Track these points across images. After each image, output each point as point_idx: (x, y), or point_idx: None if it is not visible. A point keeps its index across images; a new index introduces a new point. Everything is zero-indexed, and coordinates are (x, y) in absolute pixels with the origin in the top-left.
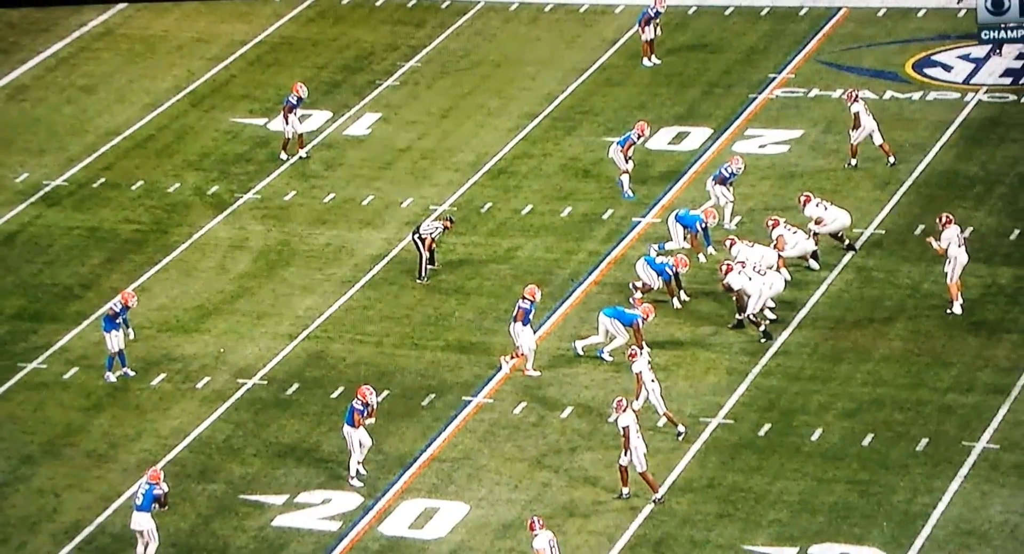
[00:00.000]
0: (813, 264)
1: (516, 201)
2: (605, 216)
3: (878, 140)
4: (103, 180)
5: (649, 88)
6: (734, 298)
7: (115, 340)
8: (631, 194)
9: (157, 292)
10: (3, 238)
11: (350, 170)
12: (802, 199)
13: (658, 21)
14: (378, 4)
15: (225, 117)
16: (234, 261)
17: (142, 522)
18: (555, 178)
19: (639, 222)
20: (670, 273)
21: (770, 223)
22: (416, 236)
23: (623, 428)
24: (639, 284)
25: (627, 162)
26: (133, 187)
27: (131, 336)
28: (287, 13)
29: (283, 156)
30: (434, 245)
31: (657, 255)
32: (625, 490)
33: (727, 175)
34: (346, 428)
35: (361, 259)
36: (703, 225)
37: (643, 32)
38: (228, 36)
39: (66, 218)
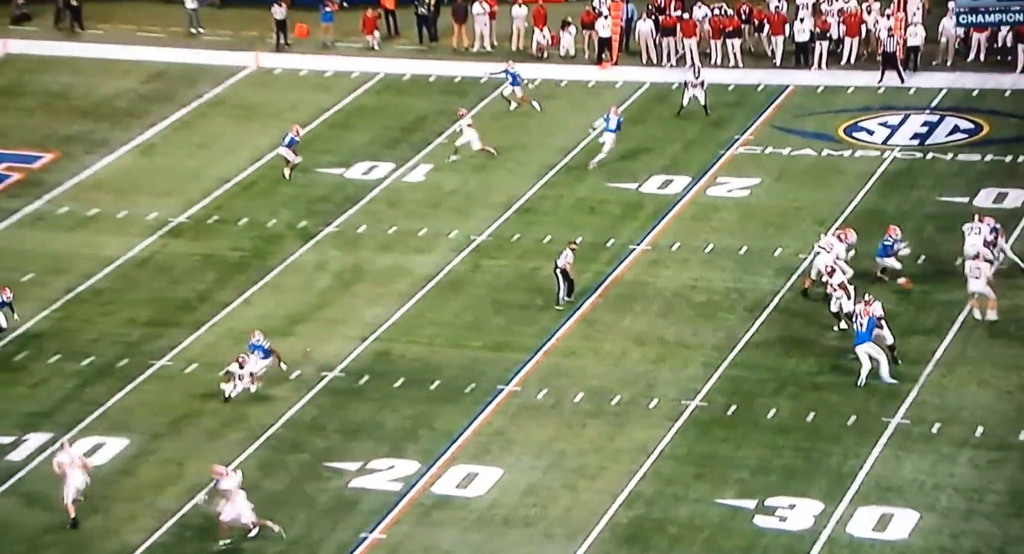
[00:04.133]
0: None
1: (538, 232)
2: (608, 244)
3: None
4: (216, 217)
5: (642, 144)
6: (837, 294)
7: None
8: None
9: (257, 304)
10: (137, 263)
11: (408, 208)
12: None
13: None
14: (431, 80)
15: (311, 167)
16: (317, 280)
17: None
18: (568, 214)
19: (634, 249)
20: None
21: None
22: (557, 270)
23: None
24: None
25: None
26: (239, 222)
27: (15, 318)
28: (361, 86)
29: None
30: (570, 271)
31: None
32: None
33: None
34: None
35: (416, 277)
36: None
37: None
38: (314, 104)
39: (186, 247)
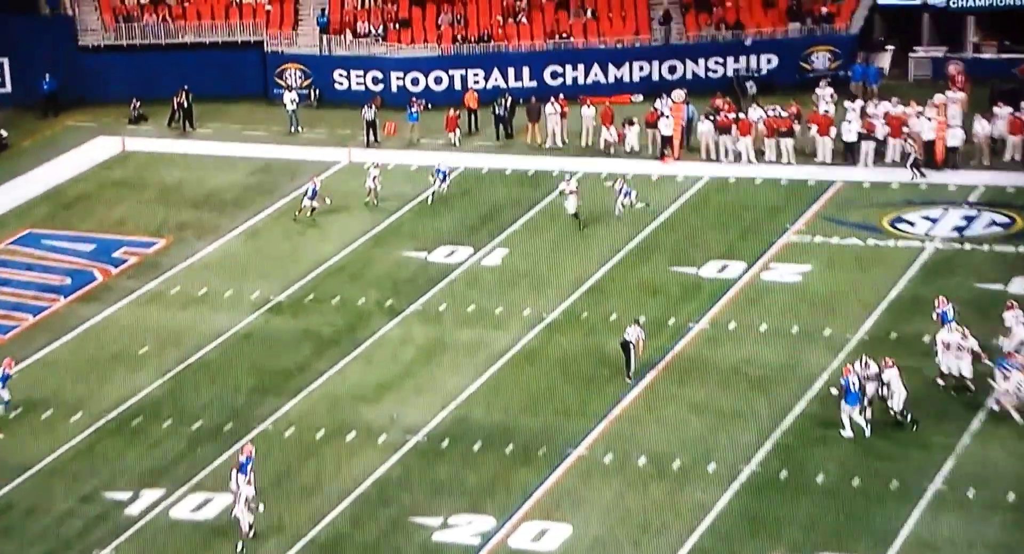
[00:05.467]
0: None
1: (604, 310)
2: (670, 322)
3: None
4: (311, 296)
5: (701, 231)
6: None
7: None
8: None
9: (349, 373)
10: (242, 336)
11: (486, 288)
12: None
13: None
14: (507, 173)
15: (398, 252)
16: (403, 352)
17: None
18: (633, 294)
19: (694, 327)
20: None
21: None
22: (627, 344)
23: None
24: None
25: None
26: (332, 301)
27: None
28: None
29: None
30: (640, 346)
31: None
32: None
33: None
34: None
35: (494, 351)
36: None
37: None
38: (401, 196)
39: (285, 323)
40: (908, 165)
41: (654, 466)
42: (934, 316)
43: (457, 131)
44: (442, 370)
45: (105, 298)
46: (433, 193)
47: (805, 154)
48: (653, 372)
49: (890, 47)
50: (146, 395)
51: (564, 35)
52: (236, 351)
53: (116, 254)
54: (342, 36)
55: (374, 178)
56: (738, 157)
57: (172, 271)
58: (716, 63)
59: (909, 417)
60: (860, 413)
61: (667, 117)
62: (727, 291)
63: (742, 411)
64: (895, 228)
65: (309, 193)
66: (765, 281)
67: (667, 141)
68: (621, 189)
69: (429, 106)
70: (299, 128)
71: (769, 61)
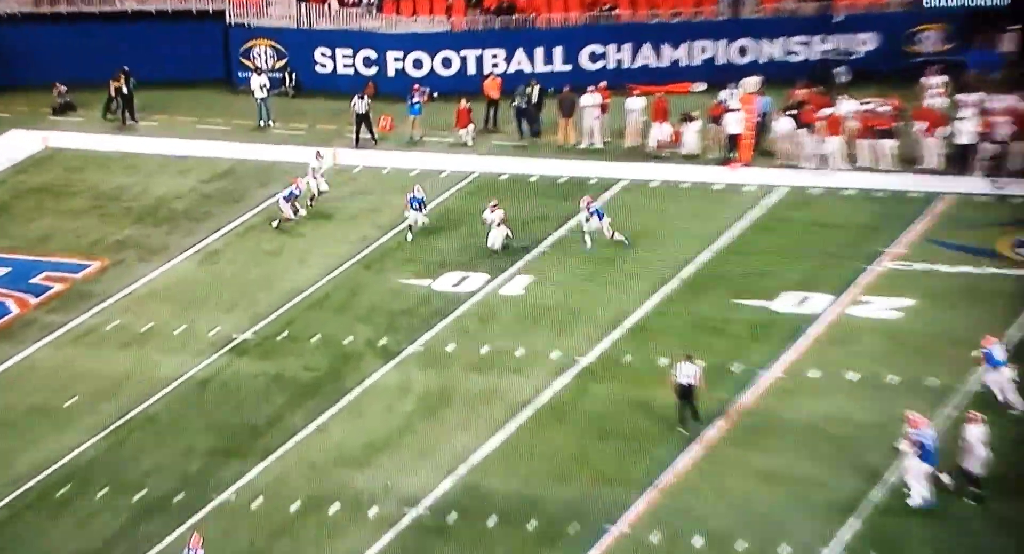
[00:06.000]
0: None
1: (651, 353)
2: (733, 369)
3: None
4: (286, 333)
5: (775, 256)
6: None
7: None
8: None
9: (333, 430)
10: (198, 384)
11: (503, 324)
12: None
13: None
14: (532, 180)
15: (393, 278)
16: (400, 404)
17: None
18: (688, 334)
19: (764, 375)
20: None
21: None
22: (684, 388)
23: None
24: None
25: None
26: (312, 339)
27: None
28: (452, 187)
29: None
30: (700, 385)
31: None
32: None
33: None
34: None
35: (512, 402)
36: None
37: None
38: (397, 207)
39: (252, 366)
40: None
41: (713, 549)
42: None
43: (471, 128)
44: (449, 426)
45: (22, 336)
46: (411, 227)
47: (907, 159)
48: (712, 430)
49: (1015, 27)
50: (75, 458)
51: (606, 7)
52: (189, 403)
53: (36, 280)
54: (325, 5)
55: (313, 171)
56: (824, 162)
57: (108, 301)
58: (798, 44)
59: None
60: (934, 477)
61: (735, 111)
62: (806, 330)
63: (822, 481)
64: (1019, 253)
65: (286, 193)
66: (854, 318)
67: (735, 141)
68: (589, 209)
69: (435, 95)
70: (270, 122)
71: (865, 42)
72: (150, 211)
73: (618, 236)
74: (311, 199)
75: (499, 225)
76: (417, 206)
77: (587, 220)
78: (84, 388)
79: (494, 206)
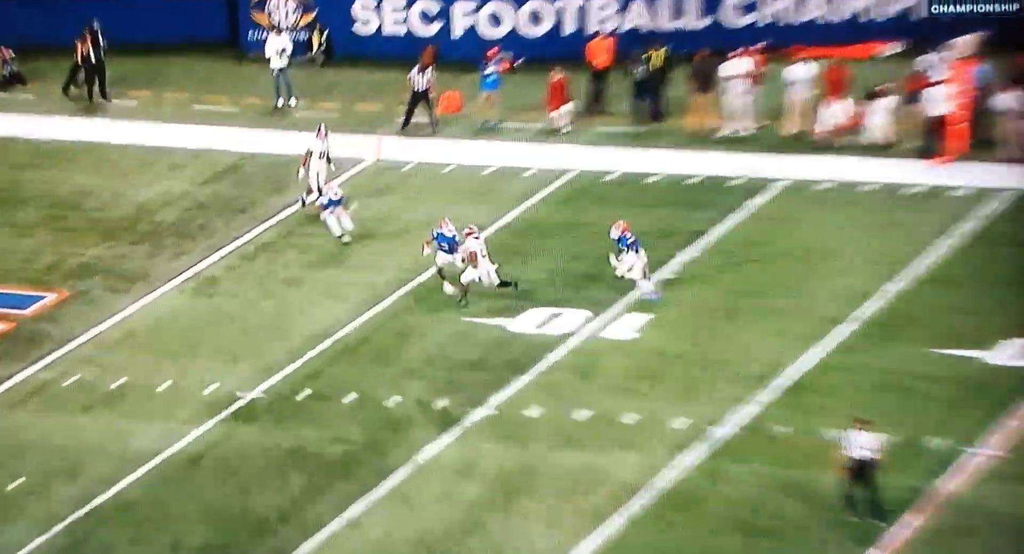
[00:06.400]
0: None
1: (813, 421)
2: (930, 445)
3: None
4: (308, 391)
5: (991, 290)
6: None
7: None
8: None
9: (369, 526)
10: (187, 460)
11: (608, 380)
12: None
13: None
14: (652, 181)
15: (455, 316)
16: (463, 488)
17: None
18: (864, 395)
19: (971, 452)
20: None
21: None
22: (859, 464)
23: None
24: None
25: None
26: (344, 400)
27: None
28: (539, 191)
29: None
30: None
31: None
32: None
33: None
34: None
35: (617, 487)
36: None
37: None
38: (464, 218)
39: (262, 436)
40: None
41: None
42: None
43: (569, 106)
44: (530, 521)
45: None
46: (441, 274)
47: None
48: (900, 527)
49: None
50: None
51: None
52: (176, 486)
53: None
54: None
55: (308, 156)
56: None
57: (66, 348)
58: None
59: None
60: None
61: (941, 84)
62: None
63: None
64: None
65: (324, 202)
66: None
67: (939, 126)
68: (624, 241)
69: (519, 62)
70: (291, 101)
71: None
72: (125, 224)
73: (652, 294)
74: (305, 195)
75: (472, 262)
76: (447, 247)
77: (618, 257)
78: (33, 466)
79: (473, 234)
